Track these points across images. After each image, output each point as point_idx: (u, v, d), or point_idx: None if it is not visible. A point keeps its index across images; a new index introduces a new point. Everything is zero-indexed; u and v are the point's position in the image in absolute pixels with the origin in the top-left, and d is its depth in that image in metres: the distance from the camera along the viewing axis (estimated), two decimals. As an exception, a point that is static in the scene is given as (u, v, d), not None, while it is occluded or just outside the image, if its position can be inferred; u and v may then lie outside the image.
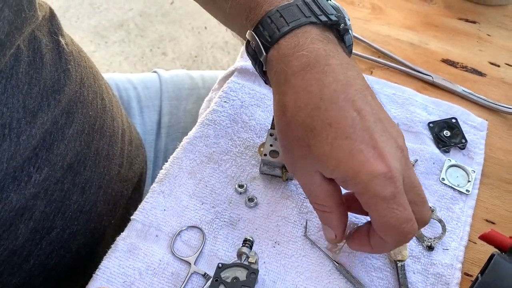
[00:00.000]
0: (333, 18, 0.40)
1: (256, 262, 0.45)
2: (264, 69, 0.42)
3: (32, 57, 0.42)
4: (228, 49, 2.04)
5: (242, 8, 0.42)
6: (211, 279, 0.44)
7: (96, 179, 0.53)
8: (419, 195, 0.40)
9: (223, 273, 0.44)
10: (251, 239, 0.47)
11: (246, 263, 0.45)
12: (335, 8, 0.41)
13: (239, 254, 0.46)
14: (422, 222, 0.41)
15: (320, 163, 0.38)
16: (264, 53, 0.40)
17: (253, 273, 0.44)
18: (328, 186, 0.40)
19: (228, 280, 0.44)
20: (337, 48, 0.40)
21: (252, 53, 0.41)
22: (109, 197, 0.57)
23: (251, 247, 0.47)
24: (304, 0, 0.40)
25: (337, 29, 0.41)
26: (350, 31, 0.42)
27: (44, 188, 0.46)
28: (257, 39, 0.40)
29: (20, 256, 0.47)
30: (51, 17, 0.49)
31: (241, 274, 0.44)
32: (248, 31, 0.41)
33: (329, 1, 0.42)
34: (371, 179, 0.36)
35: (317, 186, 0.40)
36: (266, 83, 0.44)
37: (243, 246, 0.47)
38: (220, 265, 0.45)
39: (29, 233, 0.47)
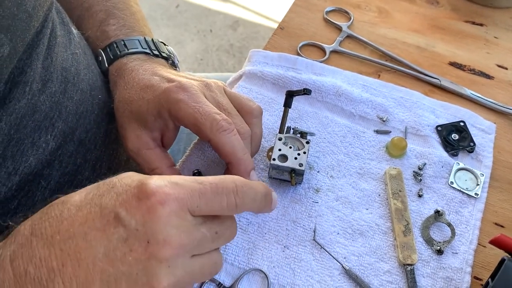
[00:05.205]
0: (164, 55, 0.56)
1: None
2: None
3: (50, 34, 0.48)
4: (234, 51, 2.05)
5: (97, 39, 0.58)
6: None
7: (106, 159, 0.56)
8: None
9: None
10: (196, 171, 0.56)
11: None
12: (169, 51, 0.58)
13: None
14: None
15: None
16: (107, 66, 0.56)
17: None
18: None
19: None
20: (156, 63, 0.54)
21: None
22: None
23: (200, 174, 0.56)
24: (145, 38, 0.56)
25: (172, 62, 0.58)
26: (178, 67, 0.59)
27: (59, 159, 0.49)
28: (103, 54, 0.56)
29: None
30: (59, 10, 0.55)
31: None
32: (99, 50, 0.57)
33: (166, 47, 0.58)
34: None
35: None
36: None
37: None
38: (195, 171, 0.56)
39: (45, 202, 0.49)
